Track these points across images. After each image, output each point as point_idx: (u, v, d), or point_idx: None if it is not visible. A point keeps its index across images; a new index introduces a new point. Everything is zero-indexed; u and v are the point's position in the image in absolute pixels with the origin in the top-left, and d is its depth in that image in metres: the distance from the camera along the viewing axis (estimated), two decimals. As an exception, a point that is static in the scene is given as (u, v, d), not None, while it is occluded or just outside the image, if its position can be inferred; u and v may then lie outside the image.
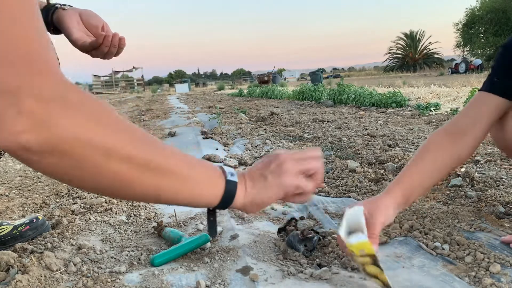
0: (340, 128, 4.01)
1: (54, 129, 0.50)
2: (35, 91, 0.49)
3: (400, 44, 62.24)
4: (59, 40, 1.27)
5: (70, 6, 1.22)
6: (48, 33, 0.69)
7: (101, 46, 1.16)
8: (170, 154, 0.67)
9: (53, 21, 1.21)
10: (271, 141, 3.31)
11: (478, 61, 28.69)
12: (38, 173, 2.60)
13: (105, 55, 1.19)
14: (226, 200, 0.74)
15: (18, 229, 1.35)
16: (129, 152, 0.58)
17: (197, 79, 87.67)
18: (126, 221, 1.56)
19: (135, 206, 1.72)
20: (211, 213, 0.83)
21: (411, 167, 1.10)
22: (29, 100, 0.48)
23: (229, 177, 0.75)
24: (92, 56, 1.21)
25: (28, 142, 0.49)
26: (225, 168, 0.77)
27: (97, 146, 0.54)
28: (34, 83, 0.49)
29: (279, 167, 0.79)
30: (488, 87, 1.15)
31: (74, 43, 1.18)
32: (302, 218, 1.41)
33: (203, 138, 3.72)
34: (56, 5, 1.21)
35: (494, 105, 1.12)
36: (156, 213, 1.65)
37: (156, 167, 0.62)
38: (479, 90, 1.19)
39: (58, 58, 1.33)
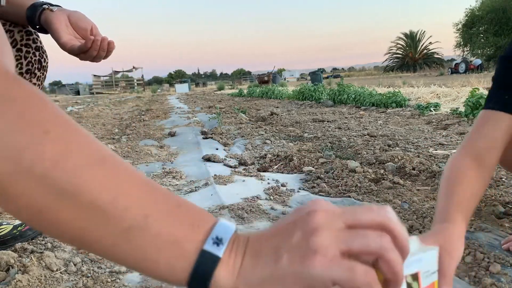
0: (340, 128, 4.01)
1: None
2: None
3: (400, 44, 62.28)
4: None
5: (58, 6, 1.20)
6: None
7: (90, 50, 1.14)
8: (128, 189, 0.40)
9: (40, 21, 1.18)
10: (271, 141, 3.31)
11: (478, 61, 28.71)
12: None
13: (94, 59, 1.17)
14: (196, 283, 0.41)
15: (18, 228, 1.35)
16: (46, 169, 0.37)
17: (197, 79, 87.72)
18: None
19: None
20: None
21: (454, 191, 0.94)
22: None
23: (208, 247, 0.41)
24: (81, 59, 1.19)
25: None
26: (216, 226, 0.42)
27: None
28: None
29: (305, 240, 0.39)
30: (501, 106, 1.05)
31: (62, 46, 1.15)
32: (302, 218, 1.41)
33: (203, 138, 3.72)
34: (43, 5, 1.17)
35: (508, 125, 1.03)
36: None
37: (85, 199, 0.38)
38: (487, 107, 1.09)
39: (47, 55, 1.33)
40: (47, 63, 1.32)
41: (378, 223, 0.40)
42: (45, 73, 1.32)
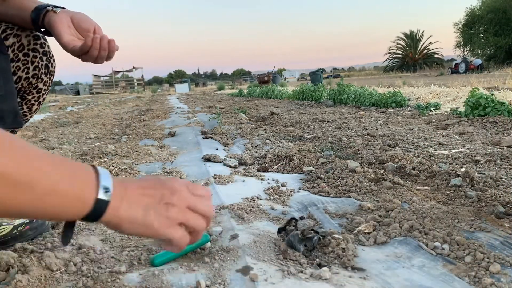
0: (340, 128, 4.01)
1: None
2: None
3: (400, 44, 62.17)
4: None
5: (62, 8, 1.20)
6: None
7: (91, 49, 1.13)
8: (26, 157, 0.55)
9: (44, 23, 1.18)
10: (271, 141, 3.31)
11: (478, 61, 28.67)
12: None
13: (96, 59, 1.16)
14: (89, 218, 0.64)
15: (18, 229, 1.35)
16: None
17: (197, 79, 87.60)
18: (126, 221, 1.56)
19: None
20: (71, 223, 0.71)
21: None
22: None
23: (101, 195, 0.63)
24: (83, 60, 1.18)
25: None
26: (101, 177, 0.64)
27: None
28: None
29: (168, 196, 0.71)
30: None
31: (64, 47, 1.16)
32: (302, 218, 1.41)
33: (203, 138, 3.72)
34: (47, 8, 1.18)
35: None
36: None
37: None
38: None
39: (54, 60, 1.33)
40: (54, 68, 1.31)
41: (205, 214, 0.77)
42: (52, 77, 1.32)
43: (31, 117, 1.36)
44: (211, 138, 3.71)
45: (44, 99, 1.34)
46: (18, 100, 1.24)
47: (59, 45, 1.16)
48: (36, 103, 1.31)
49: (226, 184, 2.02)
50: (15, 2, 1.21)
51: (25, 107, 1.29)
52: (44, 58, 1.26)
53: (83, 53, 1.15)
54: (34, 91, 1.28)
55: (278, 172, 2.35)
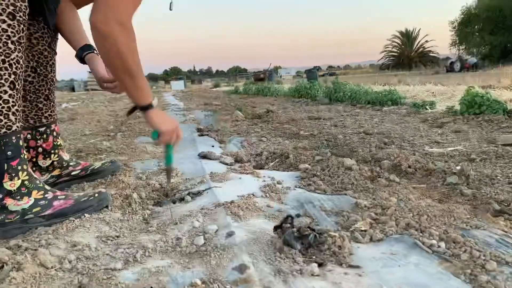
0: (336, 126, 4.01)
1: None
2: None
3: (395, 42, 62.32)
4: (60, 44, 1.82)
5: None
6: None
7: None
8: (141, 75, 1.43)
9: (84, 58, 1.85)
10: (267, 139, 3.31)
11: (473, 60, 28.82)
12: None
13: (115, 90, 1.87)
14: (143, 108, 1.52)
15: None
16: (128, 64, 1.37)
17: (192, 76, 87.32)
18: (121, 218, 1.55)
19: (130, 204, 1.71)
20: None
21: None
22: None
23: (153, 102, 1.55)
24: (104, 88, 1.88)
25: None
26: (154, 100, 1.55)
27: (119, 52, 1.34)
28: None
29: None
30: None
31: (98, 77, 1.84)
32: (298, 215, 1.40)
33: (199, 135, 3.71)
34: (92, 49, 1.84)
35: None
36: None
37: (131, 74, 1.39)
38: None
39: (55, 53, 1.52)
40: (23, 14, 1.36)
41: (179, 136, 1.64)
42: (21, 25, 1.36)
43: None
44: (207, 135, 3.70)
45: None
46: None
47: (94, 78, 1.86)
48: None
49: (221, 182, 2.02)
50: (72, 27, 1.85)
51: None
52: None
53: (110, 82, 1.84)
54: None
55: (274, 169, 2.35)
